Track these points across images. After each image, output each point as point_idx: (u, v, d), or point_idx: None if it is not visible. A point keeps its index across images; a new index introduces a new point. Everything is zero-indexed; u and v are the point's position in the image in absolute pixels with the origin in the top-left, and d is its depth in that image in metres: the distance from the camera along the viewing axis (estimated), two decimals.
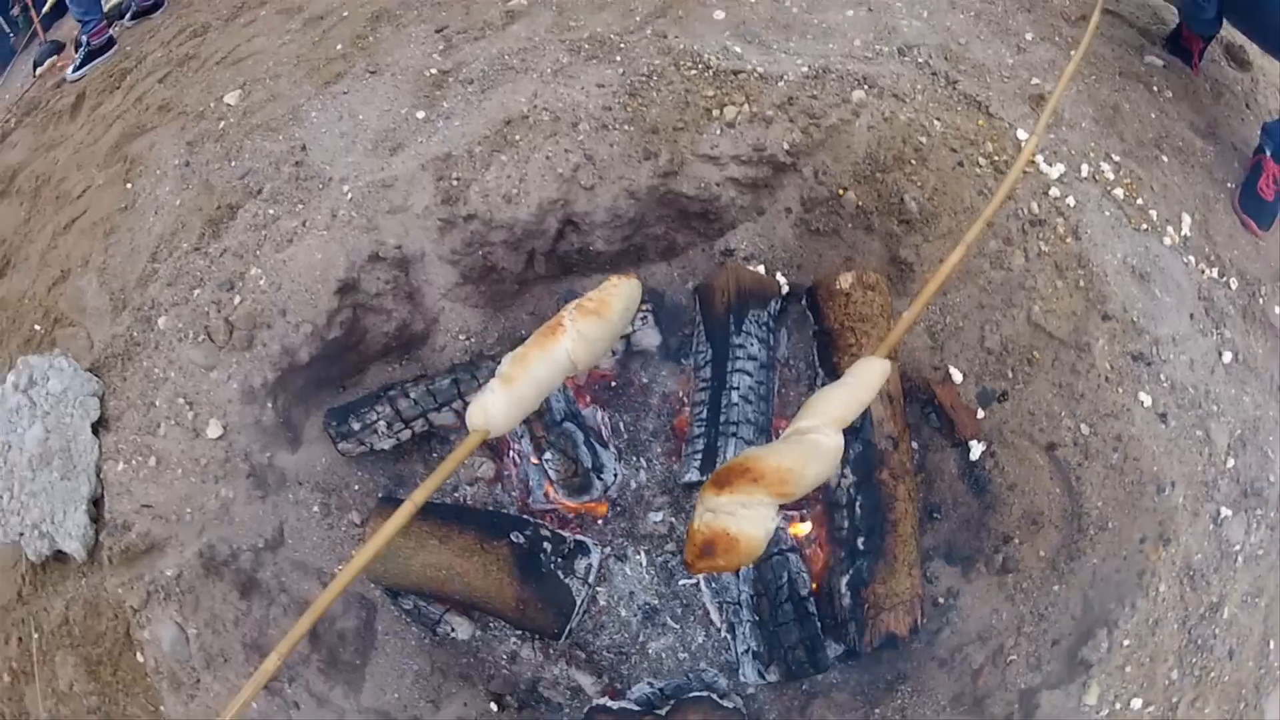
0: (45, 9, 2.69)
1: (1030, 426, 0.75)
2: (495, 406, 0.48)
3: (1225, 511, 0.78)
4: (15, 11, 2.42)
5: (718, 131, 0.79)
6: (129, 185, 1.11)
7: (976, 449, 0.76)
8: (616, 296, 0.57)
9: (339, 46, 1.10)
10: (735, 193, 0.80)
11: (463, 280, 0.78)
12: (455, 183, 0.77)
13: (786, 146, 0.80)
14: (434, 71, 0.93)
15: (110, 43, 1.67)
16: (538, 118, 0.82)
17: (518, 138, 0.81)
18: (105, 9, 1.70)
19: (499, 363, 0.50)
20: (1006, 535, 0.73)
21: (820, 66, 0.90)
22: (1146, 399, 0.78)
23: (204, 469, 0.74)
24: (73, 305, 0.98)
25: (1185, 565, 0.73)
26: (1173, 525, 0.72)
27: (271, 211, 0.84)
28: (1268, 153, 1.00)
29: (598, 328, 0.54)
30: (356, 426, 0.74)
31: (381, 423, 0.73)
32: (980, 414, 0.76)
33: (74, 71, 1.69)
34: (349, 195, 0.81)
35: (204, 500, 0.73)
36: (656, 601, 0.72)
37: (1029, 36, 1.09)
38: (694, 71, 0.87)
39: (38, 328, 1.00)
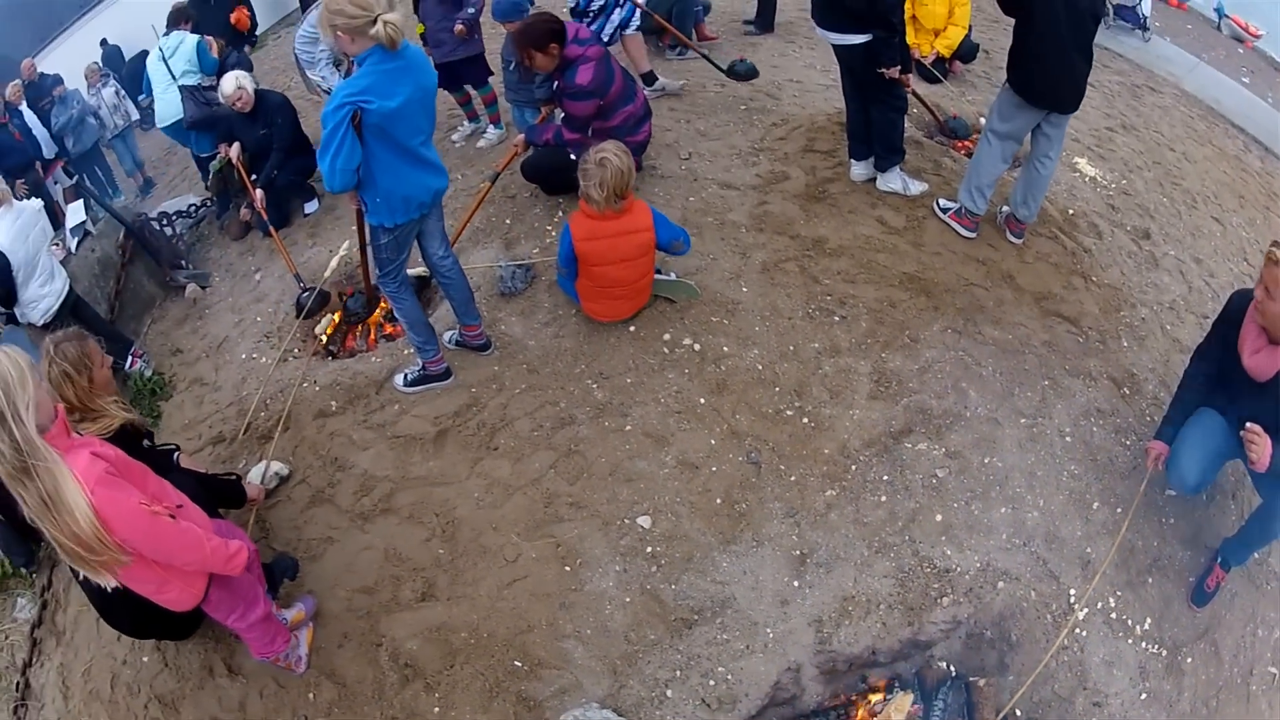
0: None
1: None
2: None
3: None
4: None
5: (938, 611, 2.54)
6: (567, 568, 2.69)
7: None
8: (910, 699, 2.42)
9: (718, 501, 2.68)
10: (940, 634, 2.58)
11: (819, 673, 2.54)
12: (825, 634, 2.48)
13: (966, 615, 2.57)
14: (796, 553, 2.58)
15: (447, 373, 3.07)
16: (859, 600, 2.53)
17: (851, 610, 2.52)
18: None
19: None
20: None
21: (985, 563, 2.63)
22: None
23: None
24: (556, 656, 2.54)
25: None
26: None
27: (725, 637, 2.51)
28: (1218, 560, 2.87)
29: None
30: None
31: None
32: None
33: (405, 385, 3.11)
34: (771, 635, 2.50)
35: None
36: None
37: (1095, 506, 2.83)
38: (930, 570, 2.59)
39: (519, 663, 2.53)
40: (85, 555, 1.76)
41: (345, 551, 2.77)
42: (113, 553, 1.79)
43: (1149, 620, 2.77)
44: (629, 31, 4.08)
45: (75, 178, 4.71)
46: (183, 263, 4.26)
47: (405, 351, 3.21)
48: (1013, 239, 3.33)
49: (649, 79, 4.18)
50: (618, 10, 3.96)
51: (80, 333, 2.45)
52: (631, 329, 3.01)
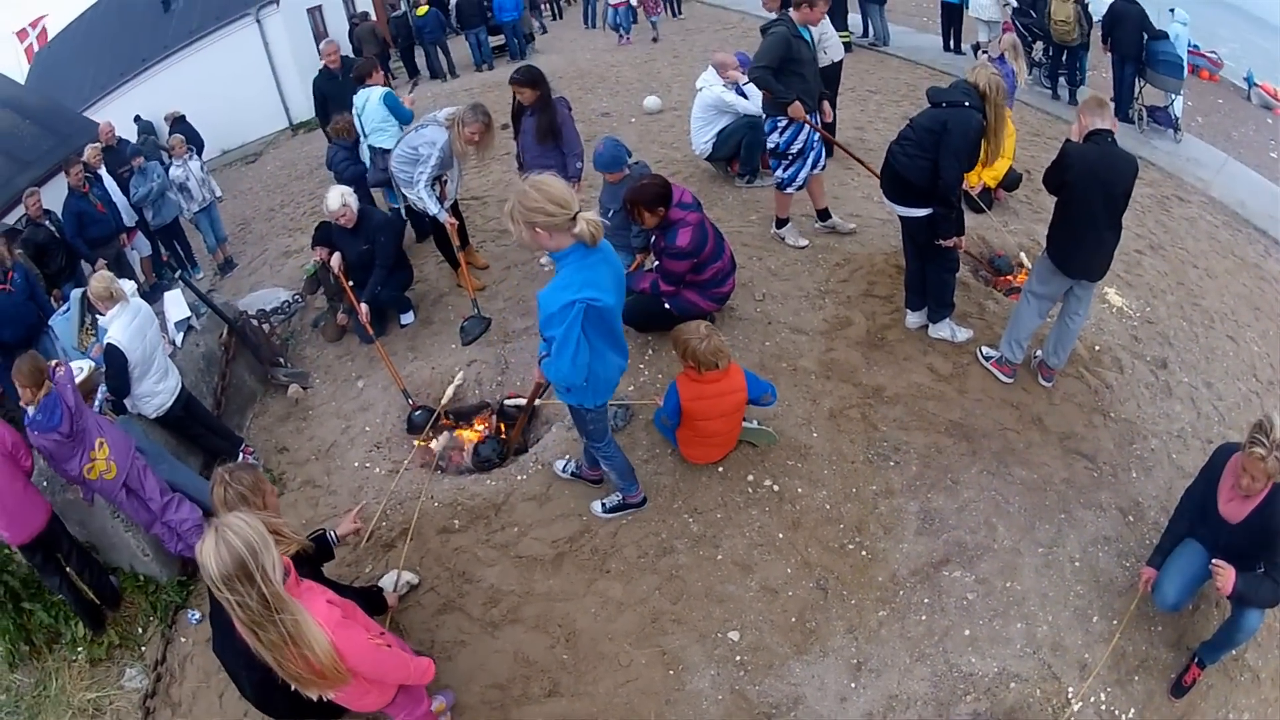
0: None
1: None
2: None
3: None
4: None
5: (962, 706, 3.75)
6: (671, 672, 3.88)
7: None
8: None
9: (793, 619, 3.84)
10: (969, 716, 3.81)
11: None
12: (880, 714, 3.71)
13: (984, 709, 3.77)
14: (854, 662, 3.76)
15: (644, 501, 4.13)
16: (901, 698, 3.73)
17: (895, 705, 3.72)
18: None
19: None
20: None
21: (1002, 668, 3.82)
22: None
23: None
24: None
25: None
26: None
27: None
28: (1195, 660, 4.12)
29: None
30: None
31: None
32: None
33: (604, 511, 4.16)
34: None
35: None
36: None
37: (1095, 619, 4.01)
38: (957, 675, 3.79)
39: None
40: (315, 680, 2.29)
41: (477, 654, 3.91)
42: (343, 678, 2.36)
43: (1133, 710, 4.01)
44: (816, 171, 4.97)
45: (179, 273, 5.59)
46: (281, 359, 5.26)
47: (519, 478, 4.31)
48: (1043, 383, 4.45)
49: (824, 215, 5.11)
50: (813, 153, 4.86)
51: (249, 463, 3.46)
52: (720, 470, 4.12)
